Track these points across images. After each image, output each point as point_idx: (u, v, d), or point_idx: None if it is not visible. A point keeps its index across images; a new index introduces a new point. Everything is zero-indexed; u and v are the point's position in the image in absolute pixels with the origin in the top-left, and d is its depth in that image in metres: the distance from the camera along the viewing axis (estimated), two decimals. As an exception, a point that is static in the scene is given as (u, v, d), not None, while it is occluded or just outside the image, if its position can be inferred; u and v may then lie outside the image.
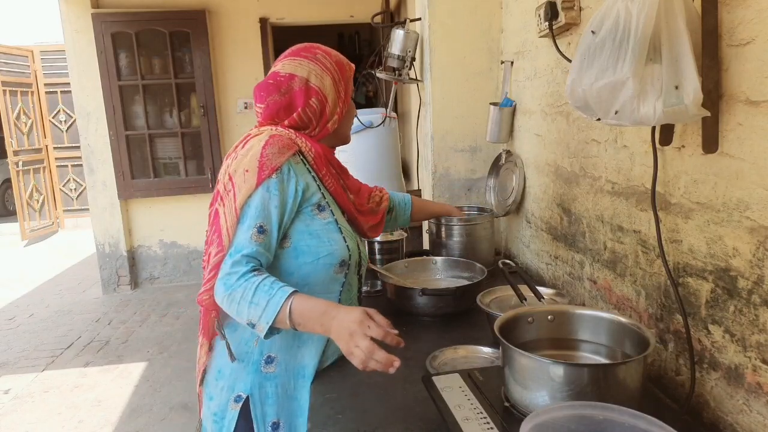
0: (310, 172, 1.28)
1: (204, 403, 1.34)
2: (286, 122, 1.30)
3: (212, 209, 1.26)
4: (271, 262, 1.21)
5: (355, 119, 2.66)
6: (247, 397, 1.25)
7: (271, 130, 1.27)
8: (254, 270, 1.14)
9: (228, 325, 1.29)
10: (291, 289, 1.11)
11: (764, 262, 0.85)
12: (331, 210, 1.29)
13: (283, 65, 1.31)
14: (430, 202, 2.15)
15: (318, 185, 1.28)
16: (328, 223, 1.27)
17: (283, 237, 1.23)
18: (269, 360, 1.26)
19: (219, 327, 1.30)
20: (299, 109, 1.29)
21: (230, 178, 1.21)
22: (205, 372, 1.35)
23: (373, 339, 1.01)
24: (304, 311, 1.09)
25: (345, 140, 1.45)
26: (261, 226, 1.17)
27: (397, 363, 0.99)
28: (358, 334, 1.02)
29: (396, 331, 1.03)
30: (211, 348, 1.34)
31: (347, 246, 1.29)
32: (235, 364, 1.27)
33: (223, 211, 1.20)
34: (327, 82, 1.30)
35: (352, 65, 1.40)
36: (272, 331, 1.10)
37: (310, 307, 1.09)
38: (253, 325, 1.11)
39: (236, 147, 1.29)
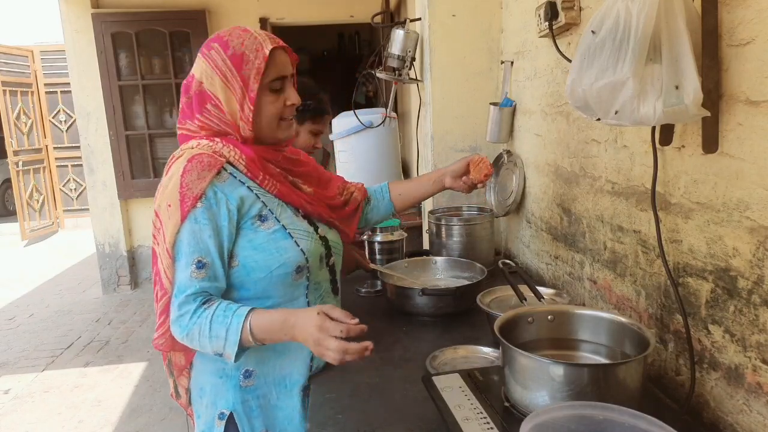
0: (244, 183, 1.18)
1: (195, 421, 1.32)
2: (204, 132, 1.21)
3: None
4: (224, 288, 1.17)
5: (355, 119, 2.66)
6: (231, 414, 1.23)
7: (192, 148, 1.17)
8: (204, 303, 1.11)
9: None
10: (245, 310, 1.09)
11: (764, 262, 0.85)
12: (276, 216, 1.20)
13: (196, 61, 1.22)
14: (414, 178, 1.72)
15: (256, 194, 1.19)
16: (273, 232, 1.19)
17: (230, 257, 1.17)
18: (247, 374, 1.23)
19: (169, 366, 1.32)
20: (198, 116, 1.19)
21: (157, 215, 1.15)
22: (189, 391, 1.33)
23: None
24: (265, 327, 1.09)
25: (275, 140, 1.25)
26: (199, 261, 1.11)
27: (370, 346, 1.01)
28: (323, 340, 1.02)
29: (356, 321, 1.04)
30: (191, 366, 1.31)
31: (301, 249, 1.21)
32: (215, 380, 1.25)
33: (159, 251, 1.15)
34: (216, 82, 1.16)
35: (266, 47, 1.16)
36: (241, 353, 1.10)
37: (269, 322, 1.09)
38: (220, 355, 1.10)
39: (165, 171, 1.20)
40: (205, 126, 1.20)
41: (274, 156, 1.25)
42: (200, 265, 1.12)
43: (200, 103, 1.18)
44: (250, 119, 1.17)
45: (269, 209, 1.20)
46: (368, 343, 1.01)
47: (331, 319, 1.04)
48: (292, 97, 1.24)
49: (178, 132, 1.26)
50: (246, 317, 1.08)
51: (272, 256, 1.17)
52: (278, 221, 1.20)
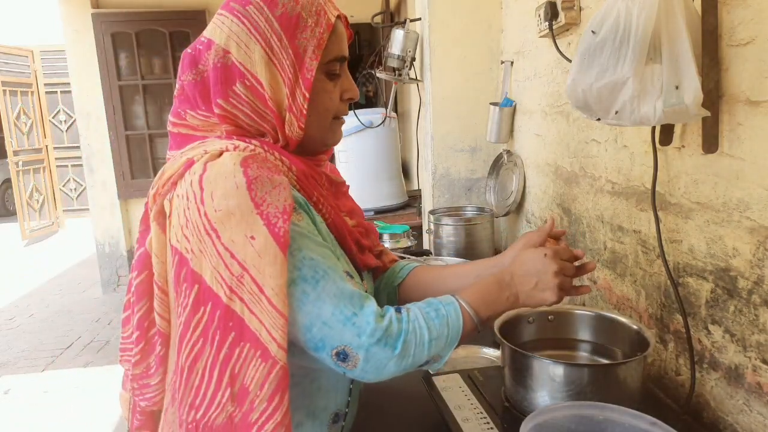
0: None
1: None
2: (222, 128, 0.84)
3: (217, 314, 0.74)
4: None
5: (355, 119, 2.66)
6: None
7: (228, 151, 0.79)
8: (397, 311, 0.82)
9: None
10: (450, 298, 0.86)
11: (764, 262, 0.85)
12: (342, 259, 0.88)
13: (212, 22, 0.87)
14: (453, 267, 1.12)
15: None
16: None
17: None
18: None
19: None
20: (220, 101, 0.82)
21: (232, 255, 0.72)
22: None
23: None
24: (483, 299, 0.87)
25: (321, 147, 0.92)
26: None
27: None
28: (564, 283, 0.89)
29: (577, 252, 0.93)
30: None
31: None
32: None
33: (246, 301, 0.73)
34: (256, 53, 0.80)
35: (330, 12, 0.84)
36: None
37: (482, 293, 0.88)
38: (427, 362, 0.83)
39: (165, 182, 0.81)
40: (229, 117, 0.83)
41: (319, 176, 0.90)
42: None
43: (225, 82, 0.81)
44: (304, 111, 0.83)
45: (333, 247, 0.86)
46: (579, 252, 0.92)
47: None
48: (352, 89, 0.91)
49: (173, 130, 0.89)
50: (457, 303, 0.85)
51: None
52: (344, 264, 0.87)
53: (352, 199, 1.04)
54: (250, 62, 0.81)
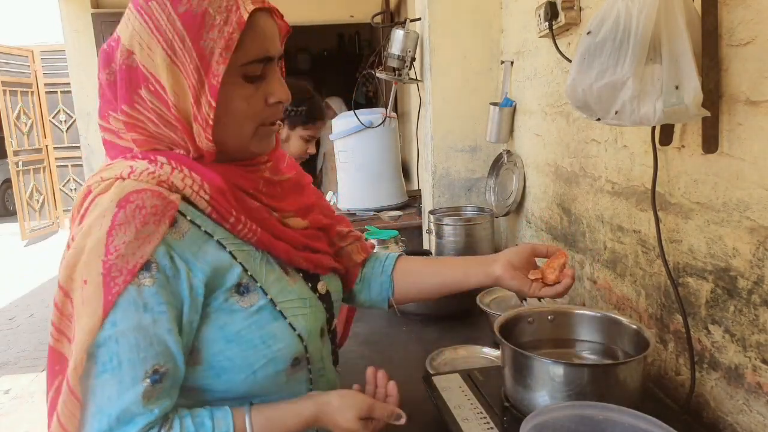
0: (212, 234, 0.75)
1: None
2: (134, 135, 0.76)
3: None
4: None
5: (355, 119, 2.65)
6: None
7: (123, 179, 0.71)
8: (163, 425, 0.69)
9: None
10: (228, 412, 0.72)
11: (764, 262, 0.85)
12: (261, 285, 0.77)
13: (123, 16, 0.77)
14: (437, 259, 1.18)
15: (231, 252, 0.76)
16: (258, 310, 0.76)
17: (189, 352, 0.73)
18: None
19: None
20: (125, 107, 0.74)
21: (65, 294, 0.70)
22: None
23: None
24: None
25: (246, 155, 0.81)
26: (156, 371, 0.68)
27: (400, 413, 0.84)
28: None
29: (399, 412, 0.84)
30: None
31: (299, 334, 0.79)
32: None
33: (66, 351, 0.69)
34: (157, 55, 0.71)
35: (244, 6, 0.73)
36: None
37: (283, 424, 0.75)
38: None
39: (75, 215, 0.76)
40: (137, 125, 0.75)
41: (250, 182, 0.80)
42: (157, 378, 0.68)
43: (130, 85, 0.73)
44: (210, 122, 0.72)
45: (251, 275, 0.77)
46: (397, 410, 0.84)
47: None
48: (278, 91, 0.79)
49: (101, 134, 0.81)
50: (236, 422, 0.72)
51: (255, 350, 0.75)
52: (264, 293, 0.77)
53: (313, 193, 0.97)
54: (153, 65, 0.72)
